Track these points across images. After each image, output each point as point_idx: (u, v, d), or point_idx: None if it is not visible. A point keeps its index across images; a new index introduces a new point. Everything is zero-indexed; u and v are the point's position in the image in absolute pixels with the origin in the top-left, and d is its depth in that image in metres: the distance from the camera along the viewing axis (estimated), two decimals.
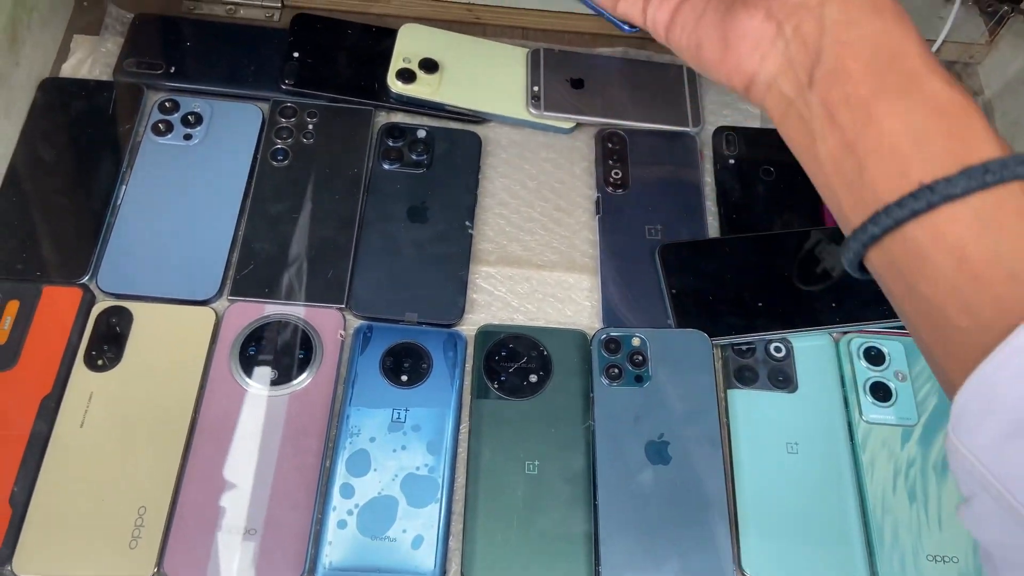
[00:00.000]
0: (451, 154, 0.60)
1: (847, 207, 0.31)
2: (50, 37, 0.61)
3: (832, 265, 0.58)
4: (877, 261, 0.31)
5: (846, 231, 0.32)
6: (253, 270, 0.54)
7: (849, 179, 0.31)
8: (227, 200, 0.56)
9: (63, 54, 0.62)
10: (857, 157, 0.30)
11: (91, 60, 0.61)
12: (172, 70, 0.61)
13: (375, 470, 0.48)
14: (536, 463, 0.50)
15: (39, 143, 0.57)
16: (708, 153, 0.62)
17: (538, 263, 0.57)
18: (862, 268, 0.32)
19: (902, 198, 0.29)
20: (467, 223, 0.57)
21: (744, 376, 0.53)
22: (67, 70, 0.61)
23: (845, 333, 0.55)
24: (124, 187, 0.56)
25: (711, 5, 0.38)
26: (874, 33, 0.31)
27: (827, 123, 0.31)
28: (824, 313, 0.55)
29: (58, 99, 0.59)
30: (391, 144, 0.59)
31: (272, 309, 0.53)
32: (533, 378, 0.52)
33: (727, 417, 0.52)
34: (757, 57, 0.35)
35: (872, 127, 0.30)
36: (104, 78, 0.60)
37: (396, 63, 0.61)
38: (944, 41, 0.67)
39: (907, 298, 0.30)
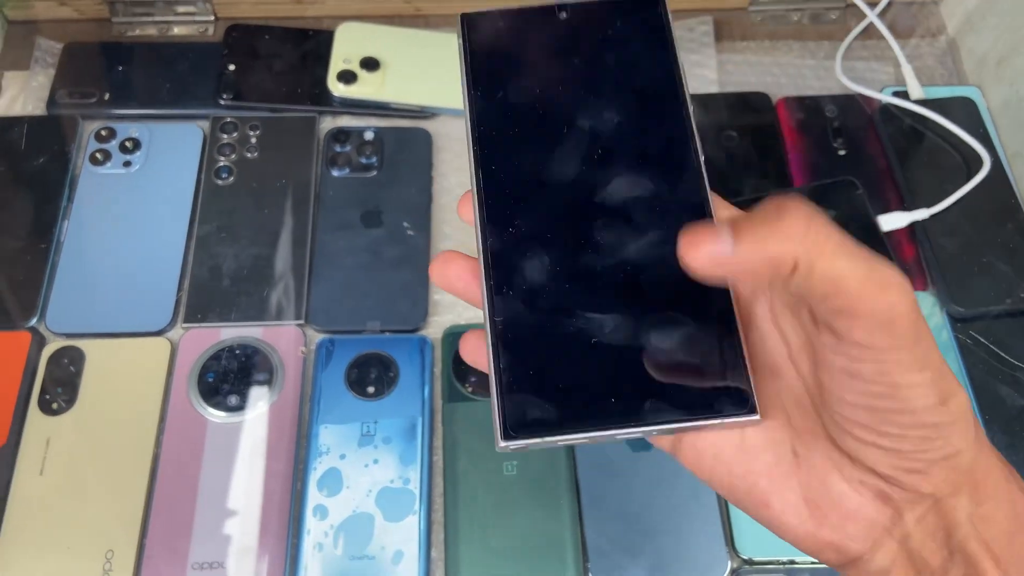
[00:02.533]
0: (402, 153, 0.58)
1: None
2: None
3: None
4: None
5: None
6: (206, 293, 0.52)
7: None
8: (173, 225, 0.54)
9: None
10: None
11: (24, 96, 0.59)
12: (106, 97, 0.59)
13: (348, 488, 0.47)
14: (514, 463, 0.48)
15: None
16: None
17: None
18: None
19: None
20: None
21: None
22: (0, 108, 0.59)
23: None
24: (66, 223, 0.54)
25: (776, 440, 0.27)
26: (1009, 532, 0.26)
27: None
28: None
29: None
30: (338, 149, 0.57)
31: (229, 333, 0.51)
32: None
33: None
34: (868, 543, 0.26)
35: None
36: (38, 112, 0.59)
37: (336, 65, 0.59)
38: None
39: None
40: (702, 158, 0.28)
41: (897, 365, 0.23)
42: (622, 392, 0.26)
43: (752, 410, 0.25)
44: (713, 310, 0.26)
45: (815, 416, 0.26)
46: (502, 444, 0.25)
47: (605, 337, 0.26)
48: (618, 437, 0.26)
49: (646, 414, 0.25)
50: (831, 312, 0.22)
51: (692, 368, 0.26)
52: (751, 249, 0.22)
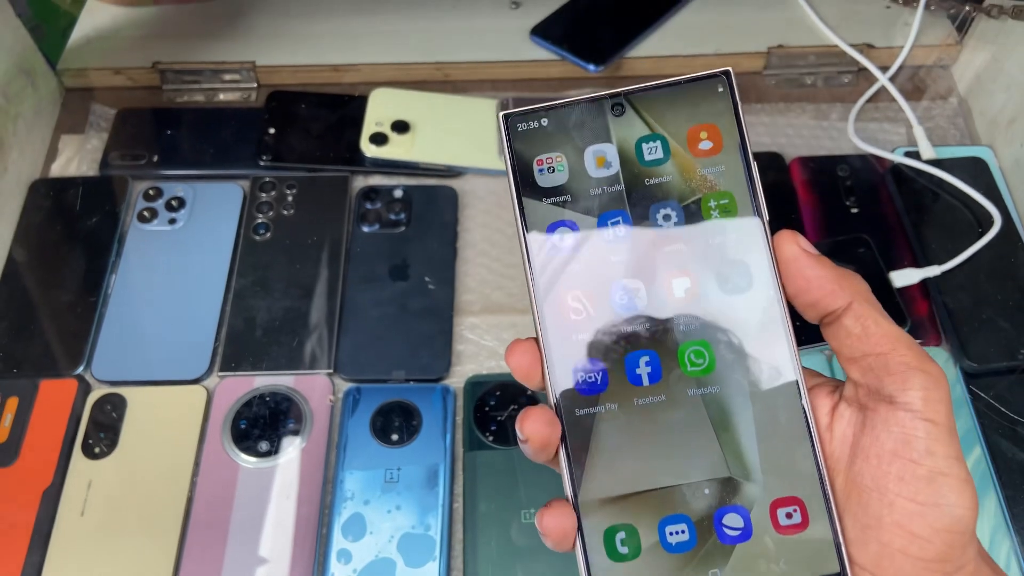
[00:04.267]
0: (429, 210, 0.61)
1: None
2: (38, 140, 0.64)
3: None
4: None
5: None
6: (241, 344, 0.55)
7: None
8: (212, 278, 0.57)
9: (52, 155, 0.64)
10: None
11: (78, 158, 0.64)
12: (155, 159, 0.63)
13: (371, 533, 0.48)
14: (532, 511, 0.49)
15: (32, 243, 0.59)
16: None
17: (522, 308, 0.57)
18: None
19: None
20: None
21: None
22: (56, 169, 0.63)
23: None
24: (114, 276, 0.57)
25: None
26: None
27: None
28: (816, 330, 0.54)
29: (48, 198, 0.61)
30: (369, 207, 0.60)
31: (261, 381, 0.53)
32: None
33: None
34: None
35: None
36: (91, 173, 0.63)
37: (368, 128, 0.63)
38: (913, 46, 0.67)
39: None
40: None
41: (941, 443, 0.25)
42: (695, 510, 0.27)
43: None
44: (800, 464, 0.27)
45: None
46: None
47: (679, 459, 0.27)
48: None
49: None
50: (885, 369, 0.26)
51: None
52: None
